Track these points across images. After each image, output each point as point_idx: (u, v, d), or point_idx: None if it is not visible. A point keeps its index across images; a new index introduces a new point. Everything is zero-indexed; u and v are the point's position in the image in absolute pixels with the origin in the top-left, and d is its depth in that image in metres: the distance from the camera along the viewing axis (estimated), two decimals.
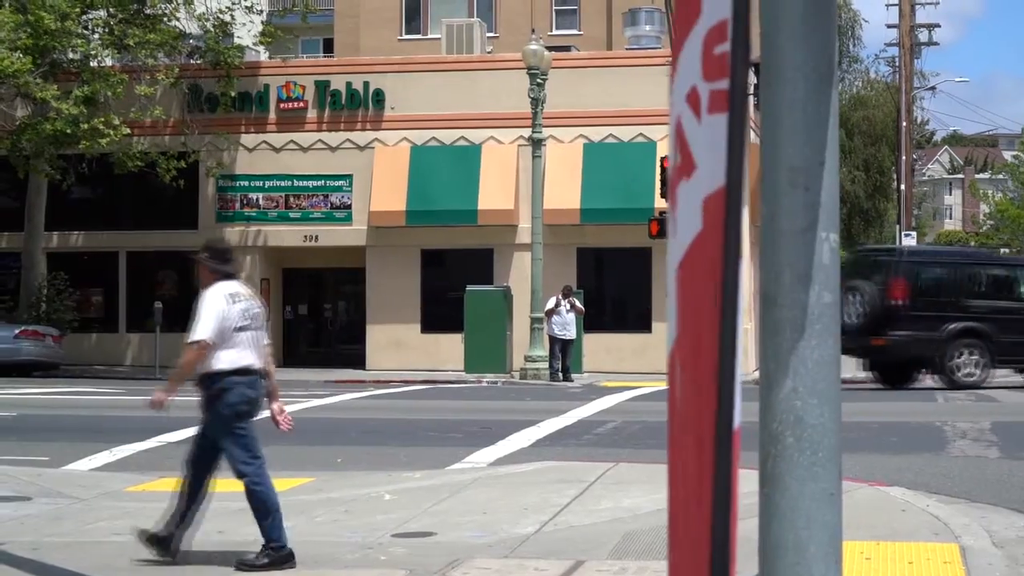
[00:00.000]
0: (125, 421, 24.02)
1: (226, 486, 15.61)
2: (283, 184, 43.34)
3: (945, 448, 19.50)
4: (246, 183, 43.55)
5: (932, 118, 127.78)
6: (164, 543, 11.19)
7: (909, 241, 51.07)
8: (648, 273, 41.29)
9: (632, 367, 39.59)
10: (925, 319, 33.55)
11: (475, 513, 13.42)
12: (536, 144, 38.26)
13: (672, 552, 3.38)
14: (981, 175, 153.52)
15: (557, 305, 37.55)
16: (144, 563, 11.22)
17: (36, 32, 37.94)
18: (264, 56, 47.72)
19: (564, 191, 40.83)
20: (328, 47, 71.00)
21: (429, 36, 62.55)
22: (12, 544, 12.03)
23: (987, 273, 36.16)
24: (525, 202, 40.38)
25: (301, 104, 43.29)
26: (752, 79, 4.05)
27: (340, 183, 43.09)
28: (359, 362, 42.86)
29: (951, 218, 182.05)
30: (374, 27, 65.01)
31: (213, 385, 11.32)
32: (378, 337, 42.83)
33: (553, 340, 37.65)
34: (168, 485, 15.81)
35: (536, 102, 38.17)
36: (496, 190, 41.54)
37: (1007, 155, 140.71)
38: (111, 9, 41.15)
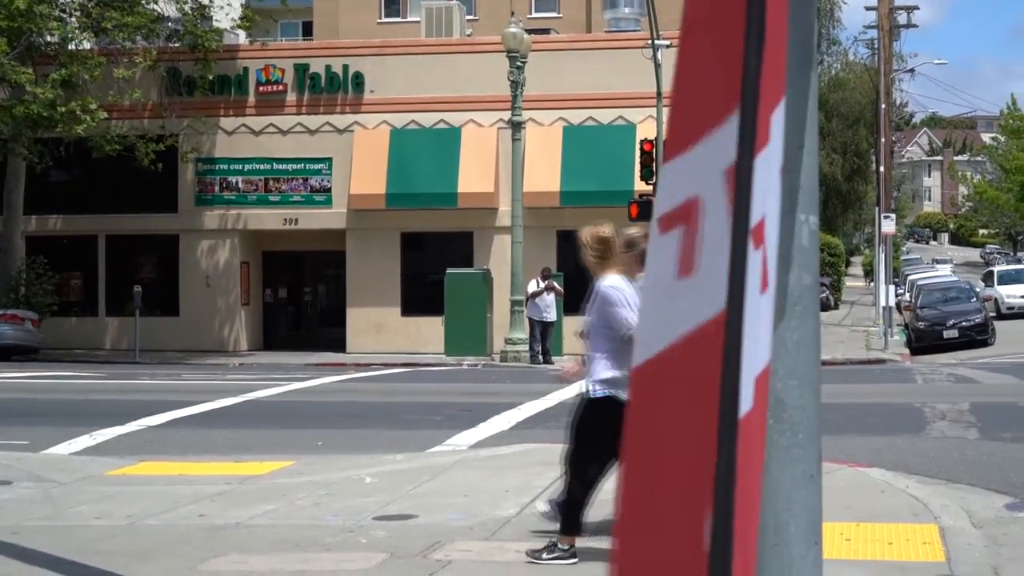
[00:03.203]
0: (105, 405, 24.00)
1: (203, 470, 15.62)
2: (263, 167, 43.28)
3: (925, 429, 19.56)
4: (225, 166, 43.47)
5: (911, 100, 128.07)
6: None
7: (888, 223, 51.10)
8: None
9: None
10: None
11: (456, 496, 13.43)
12: (516, 127, 38.23)
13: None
14: (960, 157, 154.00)
15: (547, 290, 37.45)
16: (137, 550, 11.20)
17: (9, 14, 37.78)
18: (243, 39, 47.59)
19: (544, 174, 40.82)
20: (307, 30, 70.88)
21: (409, 19, 62.44)
22: None
23: None
24: (505, 185, 40.38)
25: (280, 87, 43.22)
26: None
27: (320, 166, 43.04)
28: (339, 345, 42.83)
29: (930, 200, 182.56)
30: (353, 10, 64.85)
31: None
32: (358, 320, 42.80)
33: (533, 323, 37.66)
34: (149, 469, 15.82)
35: (516, 85, 38.13)
36: (476, 173, 41.52)
37: (985, 137, 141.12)
38: None
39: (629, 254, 11.07)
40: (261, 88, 43.26)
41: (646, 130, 39.89)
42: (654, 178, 38.16)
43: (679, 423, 3.21)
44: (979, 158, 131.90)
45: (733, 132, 3.17)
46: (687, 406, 3.20)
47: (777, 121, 3.15)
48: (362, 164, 42.06)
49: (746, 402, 3.09)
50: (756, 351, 3.09)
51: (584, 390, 10.75)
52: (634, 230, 11.58)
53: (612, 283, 10.69)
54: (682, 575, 3.22)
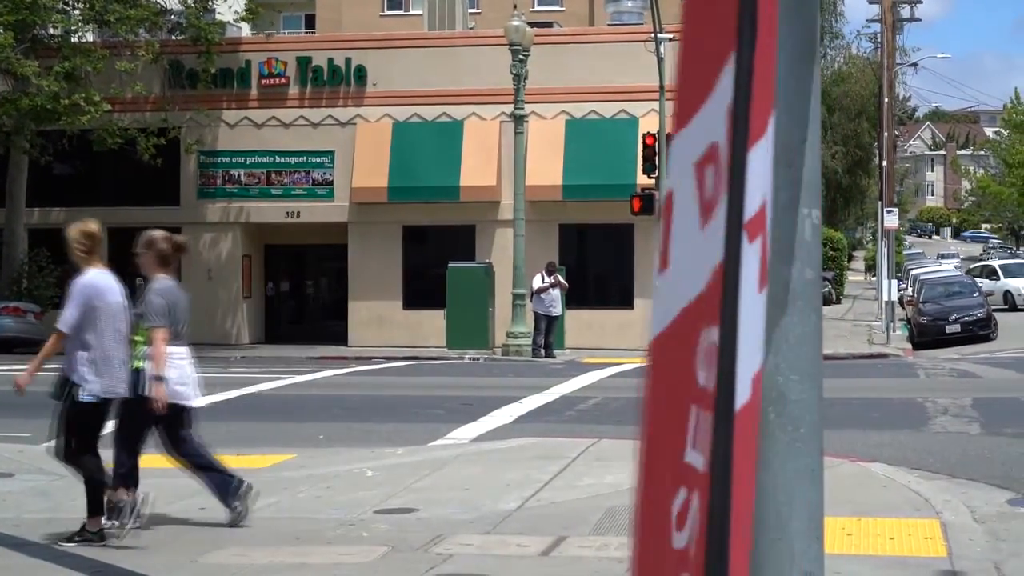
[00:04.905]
0: None
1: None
2: (265, 160, 43.22)
3: (927, 424, 19.56)
4: (228, 159, 43.42)
5: (914, 94, 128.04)
6: None
7: (891, 218, 51.06)
8: (630, 250, 41.29)
9: (614, 343, 39.57)
10: None
11: (457, 489, 13.43)
12: (518, 120, 38.19)
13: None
14: (963, 151, 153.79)
15: (553, 285, 37.38)
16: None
17: (16, 6, 37.81)
18: (246, 32, 47.55)
19: (546, 167, 40.77)
20: (310, 23, 70.96)
21: (411, 12, 62.50)
22: None
23: None
24: (507, 178, 40.33)
25: (283, 80, 43.16)
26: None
27: (322, 159, 42.99)
28: (341, 339, 42.81)
29: (932, 194, 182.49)
30: (356, 3, 64.86)
31: None
32: (360, 314, 42.78)
33: (538, 316, 37.58)
34: (150, 462, 15.81)
35: (518, 78, 38.08)
36: (478, 166, 41.49)
37: (989, 131, 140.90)
38: None
39: (148, 254, 11.50)
40: (263, 81, 43.21)
41: (648, 124, 39.86)
42: (656, 172, 38.15)
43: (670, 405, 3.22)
44: (982, 152, 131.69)
45: (704, 128, 3.17)
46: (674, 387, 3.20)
47: (772, 113, 3.14)
48: (364, 157, 42.03)
49: (743, 395, 3.09)
50: (752, 345, 3.08)
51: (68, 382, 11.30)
52: (156, 232, 11.92)
53: (85, 279, 11.16)
54: (679, 564, 3.23)
